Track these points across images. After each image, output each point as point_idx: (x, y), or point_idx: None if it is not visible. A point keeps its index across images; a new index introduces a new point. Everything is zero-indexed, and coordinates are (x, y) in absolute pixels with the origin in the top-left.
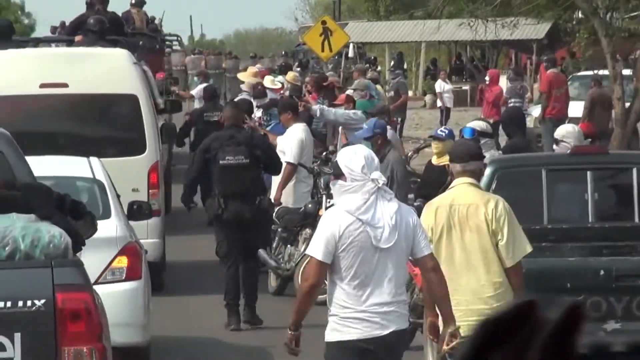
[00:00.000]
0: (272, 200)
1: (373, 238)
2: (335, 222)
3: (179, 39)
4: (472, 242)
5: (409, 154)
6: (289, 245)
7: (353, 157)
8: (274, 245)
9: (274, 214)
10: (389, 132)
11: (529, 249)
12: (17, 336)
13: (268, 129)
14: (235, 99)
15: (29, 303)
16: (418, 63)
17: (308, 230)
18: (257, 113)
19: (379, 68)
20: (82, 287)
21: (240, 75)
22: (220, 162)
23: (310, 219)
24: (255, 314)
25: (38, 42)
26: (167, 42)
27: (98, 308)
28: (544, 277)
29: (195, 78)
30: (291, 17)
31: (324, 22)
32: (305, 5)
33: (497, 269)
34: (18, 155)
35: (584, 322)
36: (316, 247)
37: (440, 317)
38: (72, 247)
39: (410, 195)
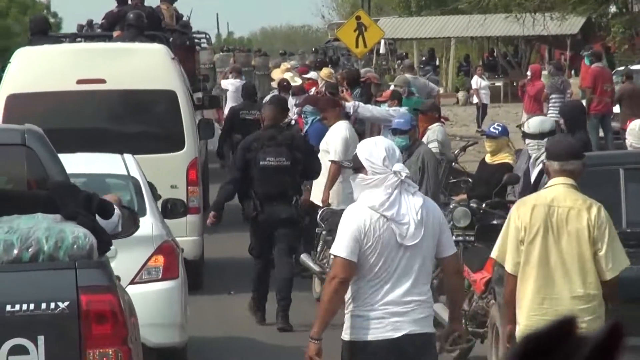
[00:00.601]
0: (318, 202)
1: (398, 235)
2: (359, 218)
3: (207, 36)
4: (570, 248)
5: (455, 152)
6: None
7: (373, 149)
8: (318, 249)
9: (317, 216)
10: (440, 130)
11: (627, 262)
12: (41, 339)
13: (306, 128)
14: (267, 97)
15: (52, 305)
16: (448, 59)
17: None
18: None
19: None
20: (106, 289)
21: (274, 74)
22: (261, 163)
23: None
24: (288, 320)
25: (75, 38)
26: (195, 40)
27: (124, 310)
28: (624, 286)
29: (229, 75)
30: (318, 15)
31: (358, 18)
32: (332, 2)
33: (593, 280)
34: (50, 153)
35: (624, 341)
36: (341, 245)
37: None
38: (97, 247)
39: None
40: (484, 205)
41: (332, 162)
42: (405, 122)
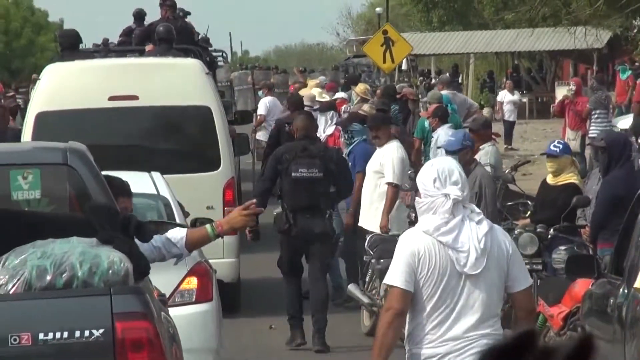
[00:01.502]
0: (369, 227)
1: (456, 262)
2: (413, 244)
3: (224, 54)
4: None
5: (507, 171)
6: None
7: (427, 170)
8: (367, 279)
9: (366, 243)
10: (493, 151)
11: None
12: None
13: (347, 150)
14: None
15: (86, 333)
16: (467, 75)
17: None
18: (328, 129)
19: (433, 81)
20: (143, 316)
21: (302, 90)
22: (293, 174)
23: None
24: (325, 340)
25: (107, 53)
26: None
27: (162, 337)
28: None
29: (260, 92)
30: (332, 32)
31: (385, 32)
32: (347, 20)
33: None
34: (93, 173)
35: (595, 354)
36: (395, 274)
37: None
38: (133, 272)
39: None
40: (551, 230)
41: (390, 184)
42: (456, 142)
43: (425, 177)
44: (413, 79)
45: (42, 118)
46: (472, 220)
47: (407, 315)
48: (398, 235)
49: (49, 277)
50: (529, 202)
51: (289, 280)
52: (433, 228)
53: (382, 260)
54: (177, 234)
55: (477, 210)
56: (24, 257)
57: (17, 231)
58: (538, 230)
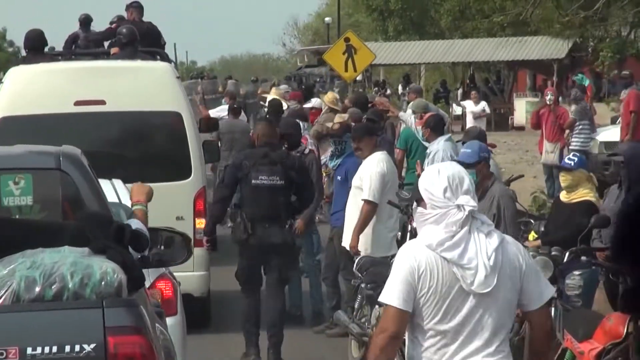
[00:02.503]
0: (348, 248)
1: (462, 280)
2: (412, 259)
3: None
4: None
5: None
6: (376, 306)
7: (434, 178)
8: (356, 305)
9: (354, 266)
10: (491, 163)
11: None
12: None
13: (337, 162)
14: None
15: (77, 348)
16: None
17: None
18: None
19: (388, 91)
20: (136, 330)
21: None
22: (253, 181)
23: None
24: (281, 356)
25: (73, 56)
26: None
27: (157, 352)
28: None
29: (223, 101)
30: (279, 43)
31: (347, 39)
32: (293, 30)
33: None
34: (87, 178)
35: None
36: (391, 292)
37: None
38: (127, 284)
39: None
40: (567, 253)
41: (365, 201)
42: (472, 153)
43: (432, 185)
44: (368, 89)
45: (5, 123)
46: (480, 233)
47: (406, 339)
48: (387, 257)
49: (37, 289)
50: (532, 221)
51: (246, 293)
52: (436, 243)
53: (372, 285)
54: (140, 226)
55: (489, 221)
56: (13, 267)
57: (5, 240)
58: (553, 253)
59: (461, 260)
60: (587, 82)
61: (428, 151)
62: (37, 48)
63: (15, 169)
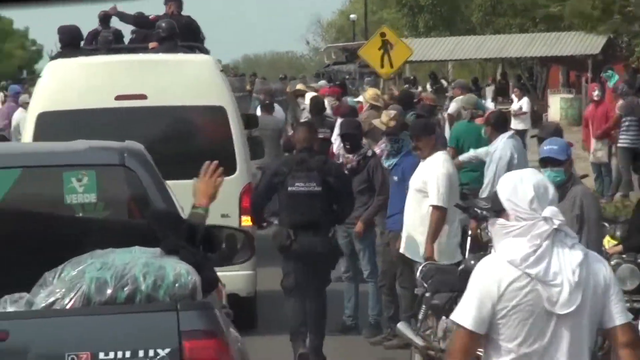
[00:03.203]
0: (413, 256)
1: (547, 300)
2: (493, 276)
3: None
4: None
5: None
6: (443, 317)
7: (518, 186)
8: (420, 315)
9: (417, 273)
10: None
11: None
12: None
13: (393, 161)
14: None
15: (151, 353)
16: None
17: None
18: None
19: (419, 88)
20: (213, 334)
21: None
22: (289, 188)
23: None
24: (321, 354)
25: (109, 51)
26: None
27: (233, 357)
28: None
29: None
30: (302, 41)
31: (383, 35)
32: (317, 28)
33: None
34: (153, 175)
35: None
36: (465, 312)
37: None
38: (201, 286)
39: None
40: None
41: (434, 207)
42: (561, 150)
43: (516, 195)
44: (399, 86)
45: (44, 119)
46: (564, 247)
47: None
48: (452, 264)
49: (109, 291)
50: (606, 224)
51: (294, 300)
52: (520, 258)
53: (438, 294)
54: None
55: (573, 234)
56: (82, 268)
57: (72, 239)
58: (626, 264)
59: (546, 277)
60: (616, 79)
61: (491, 149)
62: (73, 43)
63: (78, 165)
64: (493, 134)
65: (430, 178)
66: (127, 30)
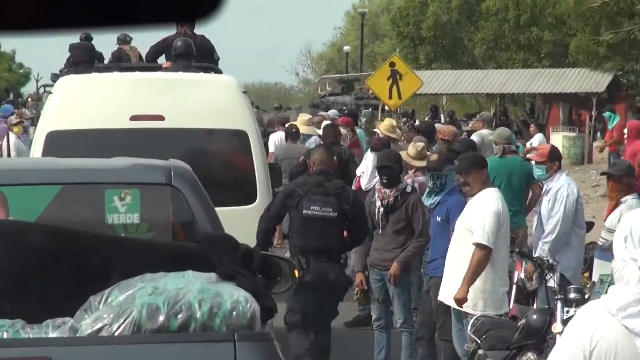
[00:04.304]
0: (449, 302)
1: None
2: (590, 327)
3: None
4: None
5: None
6: None
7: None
8: None
9: (468, 328)
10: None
11: None
12: None
13: (436, 200)
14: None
15: None
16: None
17: (531, 356)
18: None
19: (417, 122)
20: None
21: (301, 128)
22: (304, 211)
23: (536, 339)
24: None
25: (122, 70)
26: None
27: None
28: None
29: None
30: (292, 72)
31: (392, 64)
32: (307, 60)
33: None
34: (200, 195)
35: None
36: None
37: None
38: (260, 315)
39: None
40: None
41: (478, 245)
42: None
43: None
44: (396, 119)
45: (54, 138)
46: None
47: None
48: (503, 316)
49: (161, 318)
50: None
51: (300, 335)
52: (617, 307)
53: (493, 352)
54: None
55: None
56: (131, 292)
57: (117, 261)
58: None
59: None
60: (616, 120)
61: (547, 187)
62: (87, 62)
63: (121, 184)
64: (554, 171)
65: (476, 214)
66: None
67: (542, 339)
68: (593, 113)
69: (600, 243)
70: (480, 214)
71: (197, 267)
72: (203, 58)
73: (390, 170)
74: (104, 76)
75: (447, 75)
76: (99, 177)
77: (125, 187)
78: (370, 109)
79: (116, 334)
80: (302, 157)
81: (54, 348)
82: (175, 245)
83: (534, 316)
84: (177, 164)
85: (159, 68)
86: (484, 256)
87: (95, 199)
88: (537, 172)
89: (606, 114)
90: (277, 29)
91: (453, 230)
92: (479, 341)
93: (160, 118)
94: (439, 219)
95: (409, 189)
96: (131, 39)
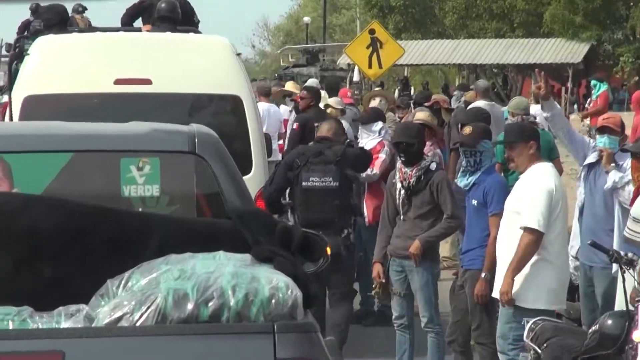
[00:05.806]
0: (499, 293)
1: None
2: None
3: None
4: None
5: None
6: None
7: None
8: None
9: (524, 334)
10: None
11: None
12: None
13: (471, 180)
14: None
15: None
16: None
17: None
18: (369, 144)
19: (412, 92)
20: None
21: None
22: (304, 183)
23: (612, 349)
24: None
25: (103, 31)
26: None
27: None
28: None
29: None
30: (248, 44)
31: (372, 31)
32: (263, 32)
33: None
34: (227, 165)
35: None
36: None
37: None
38: (302, 302)
39: None
40: None
41: (527, 230)
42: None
43: None
44: (365, 91)
45: (31, 103)
46: None
47: None
48: (561, 318)
49: (190, 306)
50: None
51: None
52: None
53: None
54: None
55: None
56: (155, 276)
57: (137, 239)
58: None
59: None
60: (604, 87)
61: (625, 165)
62: (60, 25)
63: (139, 152)
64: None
65: (525, 194)
66: None
67: (619, 349)
68: (569, 84)
69: (628, 235)
70: (529, 192)
71: (228, 248)
72: (183, 21)
73: (409, 146)
74: (85, 36)
75: (417, 45)
76: (113, 144)
77: (144, 155)
78: (338, 80)
79: (138, 323)
80: (297, 124)
81: (67, 340)
82: (202, 222)
83: (609, 321)
84: (202, 130)
85: (138, 31)
86: (532, 242)
87: (110, 169)
88: (605, 142)
89: (593, 82)
90: (232, 1)
91: (492, 214)
92: (539, 350)
93: (147, 82)
94: (474, 202)
95: (433, 166)
96: (85, 9)
